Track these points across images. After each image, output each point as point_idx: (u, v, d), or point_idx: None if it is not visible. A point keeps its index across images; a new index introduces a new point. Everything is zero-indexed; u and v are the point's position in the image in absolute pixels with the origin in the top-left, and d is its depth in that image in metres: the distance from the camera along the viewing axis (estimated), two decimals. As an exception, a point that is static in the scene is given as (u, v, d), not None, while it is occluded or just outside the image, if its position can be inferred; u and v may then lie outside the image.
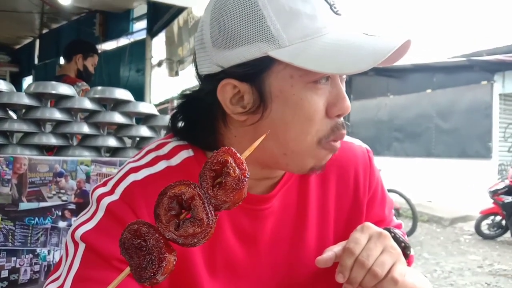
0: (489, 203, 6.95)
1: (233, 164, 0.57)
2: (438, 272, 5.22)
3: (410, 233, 6.63)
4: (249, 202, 0.80)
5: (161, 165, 0.81)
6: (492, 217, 6.95)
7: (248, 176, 0.57)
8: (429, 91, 10.53)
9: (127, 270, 0.57)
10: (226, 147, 0.58)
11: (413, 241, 6.62)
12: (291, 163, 0.76)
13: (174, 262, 0.56)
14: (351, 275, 0.74)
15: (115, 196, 0.76)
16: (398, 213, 6.99)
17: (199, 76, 0.79)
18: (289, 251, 0.86)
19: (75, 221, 0.78)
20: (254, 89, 0.72)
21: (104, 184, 0.80)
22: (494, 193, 6.79)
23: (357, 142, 0.98)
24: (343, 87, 0.74)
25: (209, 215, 0.56)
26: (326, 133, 0.73)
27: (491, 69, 9.23)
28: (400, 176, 9.48)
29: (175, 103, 0.91)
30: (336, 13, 0.71)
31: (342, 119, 0.75)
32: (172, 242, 0.56)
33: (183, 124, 0.84)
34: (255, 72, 0.71)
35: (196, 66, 0.80)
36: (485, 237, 6.94)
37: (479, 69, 9.32)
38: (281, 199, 0.85)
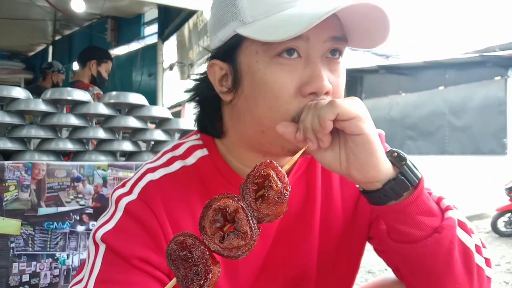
0: (505, 200, 6.85)
1: (275, 178, 0.58)
2: (455, 271, 5.17)
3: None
4: None
5: (176, 165, 0.83)
6: (508, 214, 6.84)
7: (289, 189, 0.59)
8: (441, 88, 10.42)
9: (174, 281, 0.58)
10: (268, 161, 0.59)
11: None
12: (273, 142, 0.76)
13: (219, 274, 0.57)
14: (301, 120, 0.69)
15: (133, 196, 0.78)
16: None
17: None
18: (296, 239, 0.87)
19: (96, 223, 0.79)
20: (231, 67, 0.76)
21: (123, 185, 0.82)
22: (510, 190, 6.69)
23: None
24: (323, 67, 0.71)
25: (253, 228, 0.57)
26: (298, 112, 0.71)
27: (504, 64, 9.09)
28: (414, 174, 9.39)
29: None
30: None
31: (324, 98, 0.71)
32: (216, 254, 0.57)
33: (198, 115, 0.87)
34: (229, 50, 0.75)
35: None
36: (501, 234, 6.84)
37: (492, 65, 9.19)
38: (291, 190, 0.85)
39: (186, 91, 0.88)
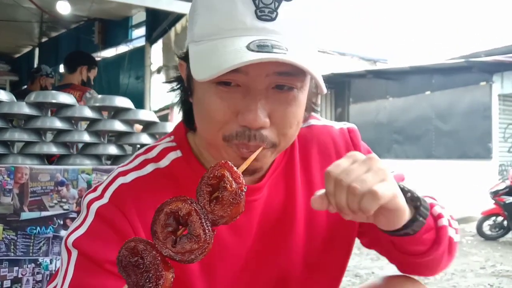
0: (490, 204, 6.94)
1: (230, 178, 0.57)
2: (441, 274, 5.21)
3: (412, 235, 6.61)
4: None
5: (149, 168, 0.82)
6: (493, 218, 6.94)
7: (245, 190, 0.57)
8: (428, 93, 10.54)
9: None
10: (223, 162, 0.58)
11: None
12: (214, 154, 0.77)
13: (172, 279, 0.56)
14: (336, 201, 0.67)
15: (104, 200, 0.77)
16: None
17: None
18: (278, 239, 0.86)
19: (68, 229, 0.79)
20: (188, 75, 0.76)
21: (94, 189, 0.81)
22: (495, 194, 6.78)
23: (338, 124, 0.97)
24: (264, 99, 0.69)
25: (206, 231, 0.55)
26: (230, 134, 0.71)
27: (489, 70, 9.23)
28: (401, 178, 9.46)
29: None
30: (259, 17, 0.66)
31: (256, 131, 0.70)
32: (169, 259, 0.56)
33: (181, 112, 0.88)
34: (186, 58, 0.76)
35: None
36: (487, 238, 6.93)
37: (477, 70, 9.33)
38: (269, 188, 0.85)
39: (168, 81, 0.88)
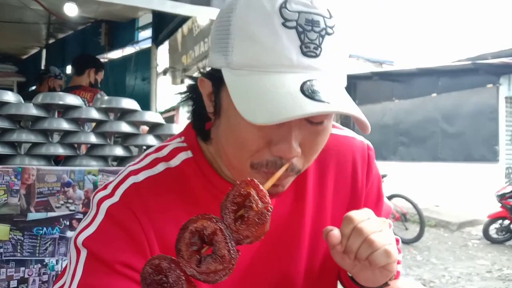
0: (496, 207, 6.89)
1: (256, 197, 0.56)
2: (447, 278, 5.18)
3: (417, 238, 6.58)
4: None
5: (160, 167, 0.82)
6: (500, 221, 6.89)
7: (271, 210, 0.56)
8: (434, 95, 10.49)
9: None
10: (249, 179, 0.58)
11: (420, 246, 6.57)
12: (237, 176, 0.75)
13: None
14: (348, 243, 0.72)
15: (115, 198, 0.76)
16: (405, 218, 6.94)
17: None
18: (283, 247, 0.86)
19: (77, 228, 0.78)
20: (214, 96, 0.75)
21: (105, 187, 0.80)
22: (502, 197, 6.74)
23: (358, 137, 0.97)
24: (298, 130, 0.69)
25: (231, 251, 0.55)
26: (259, 163, 0.71)
27: (496, 72, 9.18)
28: (407, 180, 9.44)
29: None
30: (305, 54, 0.65)
31: (287, 161, 0.70)
32: (193, 278, 0.55)
33: (190, 110, 0.87)
34: (215, 80, 0.73)
35: None
36: (493, 241, 6.88)
37: (484, 72, 9.28)
38: (277, 198, 0.85)
39: (181, 93, 0.87)
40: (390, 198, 6.90)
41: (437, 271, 5.43)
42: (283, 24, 0.64)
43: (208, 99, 0.77)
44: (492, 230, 6.94)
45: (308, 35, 0.64)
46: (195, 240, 0.56)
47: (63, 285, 0.74)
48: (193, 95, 0.84)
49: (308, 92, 0.63)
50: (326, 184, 0.90)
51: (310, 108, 0.61)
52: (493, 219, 6.91)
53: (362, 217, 0.74)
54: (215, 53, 0.72)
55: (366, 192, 0.94)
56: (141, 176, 0.80)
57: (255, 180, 0.58)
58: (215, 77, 0.72)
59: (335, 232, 0.73)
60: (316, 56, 0.65)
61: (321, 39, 0.65)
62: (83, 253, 0.73)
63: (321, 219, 0.89)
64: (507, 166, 9.32)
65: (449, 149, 10.09)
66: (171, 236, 0.76)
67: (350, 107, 0.66)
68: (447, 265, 5.70)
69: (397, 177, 8.51)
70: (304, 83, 0.64)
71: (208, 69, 0.77)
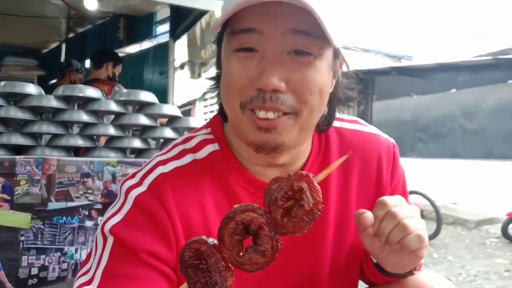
0: (516, 205, 6.77)
1: (308, 195, 0.55)
2: (463, 276, 5.12)
3: (434, 235, 6.50)
4: None
5: (187, 158, 0.83)
6: (519, 219, 6.77)
7: (322, 209, 0.57)
8: (453, 90, 10.32)
9: (185, 285, 0.57)
10: (303, 173, 0.57)
11: (437, 244, 6.50)
12: (238, 132, 0.80)
13: (232, 282, 0.57)
14: (380, 226, 0.73)
15: (143, 188, 0.77)
16: (422, 216, 6.86)
17: None
18: (308, 240, 0.86)
19: (105, 214, 0.80)
20: (217, 58, 0.81)
21: (133, 176, 0.82)
22: (522, 195, 6.61)
23: (383, 135, 0.98)
24: (279, 64, 0.71)
25: (274, 246, 0.55)
26: (246, 100, 0.74)
27: (518, 67, 8.99)
28: (425, 177, 9.32)
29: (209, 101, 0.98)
30: None
31: (270, 94, 0.72)
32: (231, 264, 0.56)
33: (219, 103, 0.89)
34: (218, 40, 0.80)
35: None
36: (512, 240, 6.77)
37: (505, 68, 9.08)
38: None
39: (209, 79, 0.91)
40: (406, 185, 6.82)
41: (453, 269, 5.37)
42: None
43: (218, 64, 0.83)
44: (511, 229, 6.82)
45: None
46: (239, 231, 0.56)
47: (89, 269, 0.75)
48: (218, 83, 0.86)
49: None
50: (350, 179, 0.90)
51: None
52: (512, 217, 6.79)
53: (396, 202, 0.74)
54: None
55: (391, 190, 0.94)
56: (169, 167, 0.81)
57: (310, 174, 0.57)
58: (218, 37, 0.80)
59: (368, 214, 0.74)
60: None
61: None
62: (110, 240, 0.74)
63: (345, 214, 0.89)
64: (528, 163, 9.13)
65: (468, 145, 9.93)
66: (197, 227, 0.77)
67: (318, 8, 0.66)
68: (464, 263, 5.63)
69: (415, 173, 8.42)
70: None
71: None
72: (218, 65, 0.81)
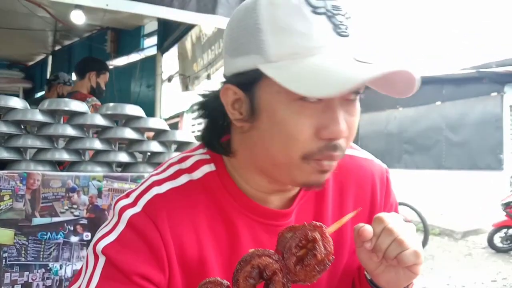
0: (501, 216, 6.85)
1: (321, 245, 0.58)
2: (451, 286, 5.14)
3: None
4: (267, 217, 0.82)
5: (183, 179, 0.81)
6: (505, 230, 6.85)
7: (332, 260, 0.58)
8: (438, 103, 10.48)
9: None
10: (317, 224, 0.59)
11: (424, 255, 6.54)
12: (282, 174, 0.76)
13: None
14: (378, 242, 0.74)
15: (137, 208, 0.76)
16: (409, 227, 6.90)
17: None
18: None
19: (96, 233, 0.78)
20: (248, 98, 0.74)
21: (127, 195, 0.80)
22: (507, 206, 6.70)
23: (376, 160, 0.99)
24: (341, 110, 0.71)
25: None
26: (311, 152, 0.71)
27: (501, 80, 9.17)
28: (411, 188, 9.40)
29: (189, 115, 0.95)
30: (340, 34, 0.69)
31: (337, 142, 0.72)
32: None
33: (204, 128, 0.86)
34: (248, 82, 0.73)
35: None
36: (498, 250, 6.83)
37: (488, 81, 9.27)
38: (298, 214, 0.85)
39: (193, 107, 0.89)
40: (398, 210, 6.86)
41: (441, 279, 5.40)
42: (313, 12, 0.68)
43: (232, 108, 0.76)
44: (497, 239, 6.89)
45: (337, 18, 0.69)
46: (253, 275, 0.58)
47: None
48: (208, 110, 0.84)
49: (361, 60, 0.68)
50: (345, 205, 0.91)
51: (374, 71, 0.64)
52: (498, 228, 6.87)
53: (392, 218, 0.76)
54: (242, 56, 0.72)
55: None
56: (164, 187, 0.79)
57: (323, 226, 0.60)
58: (246, 79, 0.73)
59: (367, 228, 0.74)
60: (348, 35, 0.70)
61: (347, 21, 0.70)
62: (102, 260, 0.73)
63: (340, 238, 0.89)
64: (512, 174, 9.26)
65: (454, 157, 10.06)
66: (190, 250, 0.76)
67: (405, 66, 0.69)
68: (451, 273, 5.66)
69: (401, 185, 8.48)
70: (355, 56, 0.68)
71: (226, 75, 0.78)
72: (251, 108, 0.74)
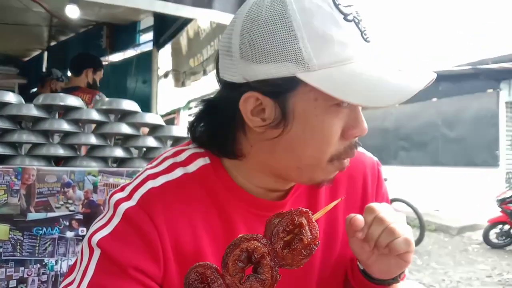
0: (497, 212, 6.90)
1: (307, 230, 0.60)
2: (446, 282, 5.17)
3: (417, 242, 6.57)
4: (263, 208, 0.83)
5: (178, 172, 0.81)
6: (500, 226, 6.89)
7: (318, 244, 0.61)
8: (435, 99, 10.51)
9: None
10: (304, 210, 0.61)
11: (420, 251, 6.57)
12: (303, 176, 0.79)
13: None
14: (369, 231, 0.76)
15: (132, 202, 0.76)
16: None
17: (220, 80, 0.80)
18: None
19: (91, 226, 0.78)
20: (277, 105, 0.73)
21: (122, 189, 0.80)
22: (502, 202, 6.74)
23: (367, 153, 1.00)
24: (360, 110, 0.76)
25: (274, 276, 0.59)
26: (339, 152, 0.76)
27: (497, 77, 9.20)
28: (407, 185, 9.44)
29: (193, 110, 0.94)
30: (366, 40, 0.72)
31: (356, 139, 0.78)
32: None
33: (202, 130, 0.85)
34: (281, 90, 0.72)
35: (217, 69, 0.81)
36: (493, 246, 6.88)
37: (484, 78, 9.30)
38: (292, 206, 0.86)
39: (193, 108, 0.88)
40: (390, 202, 6.89)
41: (437, 275, 5.43)
42: (345, 19, 0.70)
43: (251, 114, 0.74)
44: (492, 235, 6.94)
45: (362, 24, 0.72)
46: (242, 258, 0.59)
47: (73, 281, 0.73)
48: (215, 116, 0.82)
49: (398, 70, 0.71)
50: (337, 196, 0.91)
51: (423, 81, 0.71)
52: (493, 224, 6.91)
53: (383, 208, 0.78)
54: (271, 63, 0.69)
55: None
56: (159, 181, 0.80)
57: (310, 212, 0.61)
58: (279, 87, 0.71)
59: (359, 217, 0.77)
60: (370, 41, 0.73)
61: (367, 26, 0.73)
62: (97, 252, 0.73)
63: (332, 231, 0.91)
64: (507, 171, 9.32)
65: (450, 153, 10.10)
66: (186, 243, 0.77)
67: (429, 74, 0.74)
68: (447, 269, 5.70)
69: (398, 181, 8.51)
70: (382, 61, 0.72)
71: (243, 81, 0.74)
72: (283, 116, 0.73)
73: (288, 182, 0.84)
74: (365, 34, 0.72)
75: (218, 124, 0.82)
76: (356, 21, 0.71)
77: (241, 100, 0.74)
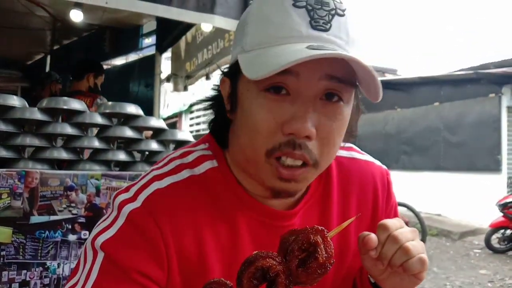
0: (498, 217, 6.87)
1: (322, 248, 0.59)
2: (448, 287, 5.15)
3: (419, 247, 6.54)
4: (271, 217, 0.81)
5: (184, 174, 0.80)
6: (502, 230, 6.87)
7: (333, 263, 0.59)
8: (436, 104, 10.50)
9: None
10: (319, 228, 0.60)
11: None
12: (255, 173, 0.77)
13: None
14: (383, 250, 0.73)
15: (137, 203, 0.75)
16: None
17: None
18: None
19: (95, 227, 0.77)
20: (232, 89, 0.77)
21: (127, 189, 0.79)
22: (504, 207, 6.72)
23: (376, 162, 0.99)
24: (314, 110, 0.70)
25: None
26: (273, 146, 0.71)
27: (498, 81, 9.19)
28: (409, 189, 9.41)
29: (196, 113, 0.95)
30: (315, 27, 0.69)
31: (300, 140, 0.70)
32: None
33: (212, 121, 0.87)
34: (233, 73, 0.76)
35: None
36: (495, 251, 6.85)
37: (486, 82, 9.28)
38: (303, 217, 0.85)
39: (201, 100, 0.89)
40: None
41: (438, 280, 5.41)
42: (294, 5, 0.69)
43: (228, 101, 0.78)
44: (494, 240, 6.91)
45: (318, 12, 0.69)
46: (257, 276, 0.59)
47: (77, 283, 0.72)
48: (215, 102, 0.85)
49: (314, 47, 0.66)
50: (349, 208, 0.91)
51: (312, 52, 0.64)
52: (495, 228, 6.89)
53: (396, 225, 0.75)
54: (234, 49, 0.76)
55: (385, 216, 0.95)
56: (165, 182, 0.78)
57: (325, 230, 0.60)
58: (232, 70, 0.76)
59: (372, 237, 0.73)
60: (326, 30, 0.70)
61: (330, 16, 0.70)
62: (100, 255, 0.72)
63: (344, 241, 0.89)
64: (509, 175, 9.29)
65: (452, 158, 10.07)
66: (190, 247, 0.75)
67: (359, 57, 0.67)
68: (449, 274, 5.68)
69: (399, 186, 8.49)
70: (311, 44, 0.67)
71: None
72: (233, 99, 0.76)
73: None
74: (316, 22, 0.69)
75: (216, 112, 0.86)
76: (310, 8, 0.69)
77: (219, 84, 0.79)
